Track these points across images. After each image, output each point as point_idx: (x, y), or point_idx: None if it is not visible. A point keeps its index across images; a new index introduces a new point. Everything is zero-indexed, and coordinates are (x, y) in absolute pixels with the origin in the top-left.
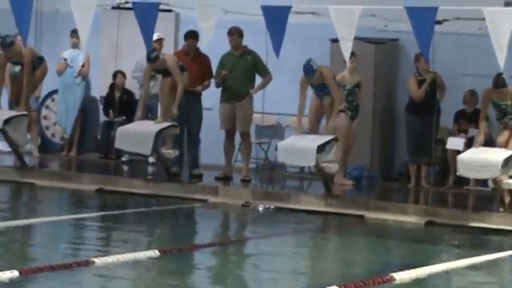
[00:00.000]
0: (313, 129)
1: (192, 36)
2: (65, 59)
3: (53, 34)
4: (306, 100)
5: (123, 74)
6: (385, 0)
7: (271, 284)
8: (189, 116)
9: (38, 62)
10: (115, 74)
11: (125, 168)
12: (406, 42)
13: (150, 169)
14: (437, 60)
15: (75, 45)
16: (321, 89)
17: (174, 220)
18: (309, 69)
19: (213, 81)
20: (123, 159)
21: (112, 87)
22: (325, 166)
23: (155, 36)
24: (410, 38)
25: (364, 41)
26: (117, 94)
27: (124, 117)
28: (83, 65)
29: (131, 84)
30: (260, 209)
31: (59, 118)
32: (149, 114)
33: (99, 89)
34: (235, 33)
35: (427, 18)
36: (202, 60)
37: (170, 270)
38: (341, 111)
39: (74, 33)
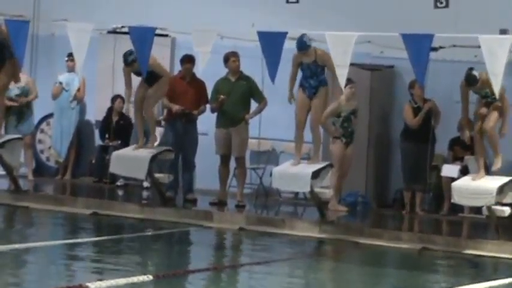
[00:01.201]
0: (302, 127)
1: (189, 60)
2: (61, 83)
3: (48, 58)
4: (297, 75)
5: (122, 99)
6: (381, 26)
7: None
8: (184, 141)
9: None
10: (114, 98)
11: (120, 192)
12: (401, 69)
13: (145, 193)
14: (432, 87)
15: (71, 69)
16: (311, 75)
17: (168, 245)
18: (302, 45)
19: (208, 106)
20: (118, 183)
21: (110, 111)
22: (319, 192)
23: None
24: (406, 64)
25: (359, 67)
26: (114, 118)
27: (119, 142)
28: (78, 89)
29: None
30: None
31: (53, 142)
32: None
33: (95, 113)
34: (237, 55)
35: (423, 45)
36: (198, 85)
37: None
38: (335, 137)
39: (70, 56)
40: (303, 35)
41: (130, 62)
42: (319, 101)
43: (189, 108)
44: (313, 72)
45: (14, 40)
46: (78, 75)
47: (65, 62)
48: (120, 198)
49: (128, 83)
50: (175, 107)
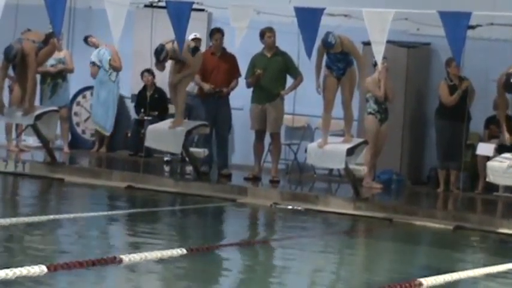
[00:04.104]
0: (331, 108)
1: (218, 30)
2: (93, 62)
3: (85, 31)
4: (322, 64)
5: (150, 73)
6: (418, 3)
7: (297, 287)
8: (216, 116)
9: (44, 44)
10: (142, 73)
11: (167, 168)
12: (438, 47)
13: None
14: (469, 65)
15: (96, 45)
16: (338, 60)
17: (202, 219)
18: (327, 45)
19: (241, 81)
20: (166, 159)
21: (144, 85)
22: (354, 169)
23: (192, 36)
24: (442, 42)
25: (396, 44)
26: (149, 93)
27: (156, 113)
28: (109, 60)
29: (165, 82)
30: (289, 207)
31: (95, 118)
32: (190, 115)
33: (131, 87)
34: (272, 31)
35: (460, 23)
36: (229, 59)
37: (197, 269)
38: (370, 113)
39: (88, 37)
40: (327, 34)
41: (162, 60)
42: (349, 81)
43: (221, 83)
44: (340, 59)
45: (51, 13)
46: (107, 47)
47: (94, 39)
48: (155, 172)
49: (162, 70)
50: (206, 87)
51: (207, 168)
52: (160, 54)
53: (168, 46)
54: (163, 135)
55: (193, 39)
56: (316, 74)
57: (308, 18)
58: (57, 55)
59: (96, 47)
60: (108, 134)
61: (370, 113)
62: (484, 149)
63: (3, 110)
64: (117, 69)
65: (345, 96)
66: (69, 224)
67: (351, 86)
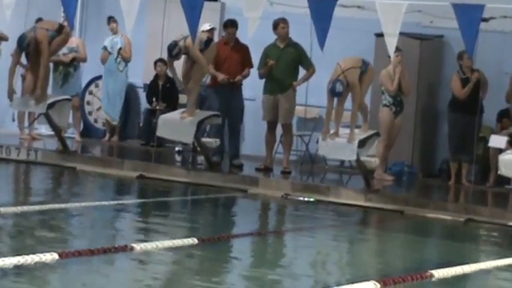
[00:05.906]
0: (344, 99)
1: (232, 24)
2: (105, 47)
3: (98, 19)
4: (332, 110)
5: (164, 62)
6: None
7: (308, 277)
8: (229, 107)
9: (57, 33)
10: (155, 63)
11: (178, 158)
12: (451, 39)
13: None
14: (481, 58)
15: (114, 31)
16: None
17: (213, 209)
18: (336, 94)
19: (253, 71)
20: (177, 149)
21: (156, 75)
22: (366, 161)
23: (207, 26)
24: (455, 34)
25: (409, 36)
26: (160, 82)
27: (165, 105)
28: (119, 49)
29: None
30: (300, 198)
31: (105, 107)
32: (202, 105)
33: (143, 76)
34: (286, 22)
35: (474, 15)
36: (242, 49)
37: (208, 259)
38: (385, 105)
39: (111, 19)
40: (335, 84)
41: (175, 55)
42: (366, 77)
43: (234, 73)
44: None
45: (64, 1)
46: (122, 36)
47: (111, 25)
48: (167, 161)
49: (174, 72)
50: (221, 77)
51: (219, 158)
52: (173, 50)
53: (181, 43)
54: (175, 125)
55: (208, 30)
56: (325, 121)
57: (321, 9)
58: (70, 44)
59: (114, 32)
60: (115, 123)
61: (385, 105)
62: (496, 141)
63: (13, 97)
64: (126, 59)
65: (363, 91)
66: (80, 213)
67: (369, 82)
